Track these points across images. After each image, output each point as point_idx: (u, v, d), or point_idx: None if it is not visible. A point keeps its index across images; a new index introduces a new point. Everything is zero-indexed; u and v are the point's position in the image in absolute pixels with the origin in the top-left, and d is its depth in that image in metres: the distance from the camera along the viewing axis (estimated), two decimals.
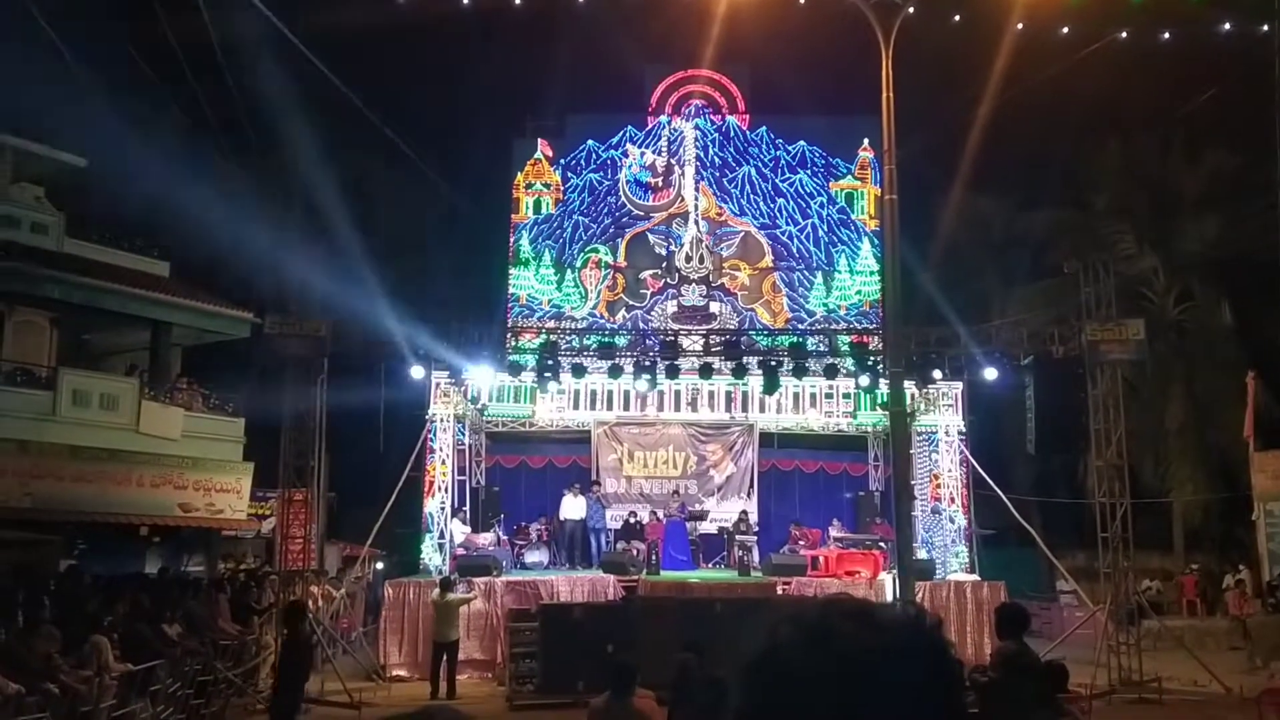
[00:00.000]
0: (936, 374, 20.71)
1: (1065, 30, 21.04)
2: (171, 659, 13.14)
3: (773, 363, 21.08)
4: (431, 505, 22.26)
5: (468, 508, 23.88)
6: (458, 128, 34.65)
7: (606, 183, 27.78)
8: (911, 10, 17.04)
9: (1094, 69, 23.59)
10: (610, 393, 23.71)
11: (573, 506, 23.31)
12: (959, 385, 22.58)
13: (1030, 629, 8.76)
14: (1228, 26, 21.07)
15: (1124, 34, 21.03)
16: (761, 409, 24.02)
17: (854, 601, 1.35)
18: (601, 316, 26.61)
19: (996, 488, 22.08)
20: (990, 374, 20.86)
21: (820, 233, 27.49)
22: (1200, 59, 24.13)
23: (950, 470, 22.89)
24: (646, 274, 27.13)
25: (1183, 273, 32.83)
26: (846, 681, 1.22)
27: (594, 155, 27.97)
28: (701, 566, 23.30)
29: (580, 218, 27.53)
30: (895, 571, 18.83)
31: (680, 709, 8.77)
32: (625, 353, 21.52)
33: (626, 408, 24.03)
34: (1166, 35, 21.31)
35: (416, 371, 21.80)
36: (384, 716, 1.76)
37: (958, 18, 21.02)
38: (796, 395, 23.78)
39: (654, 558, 21.51)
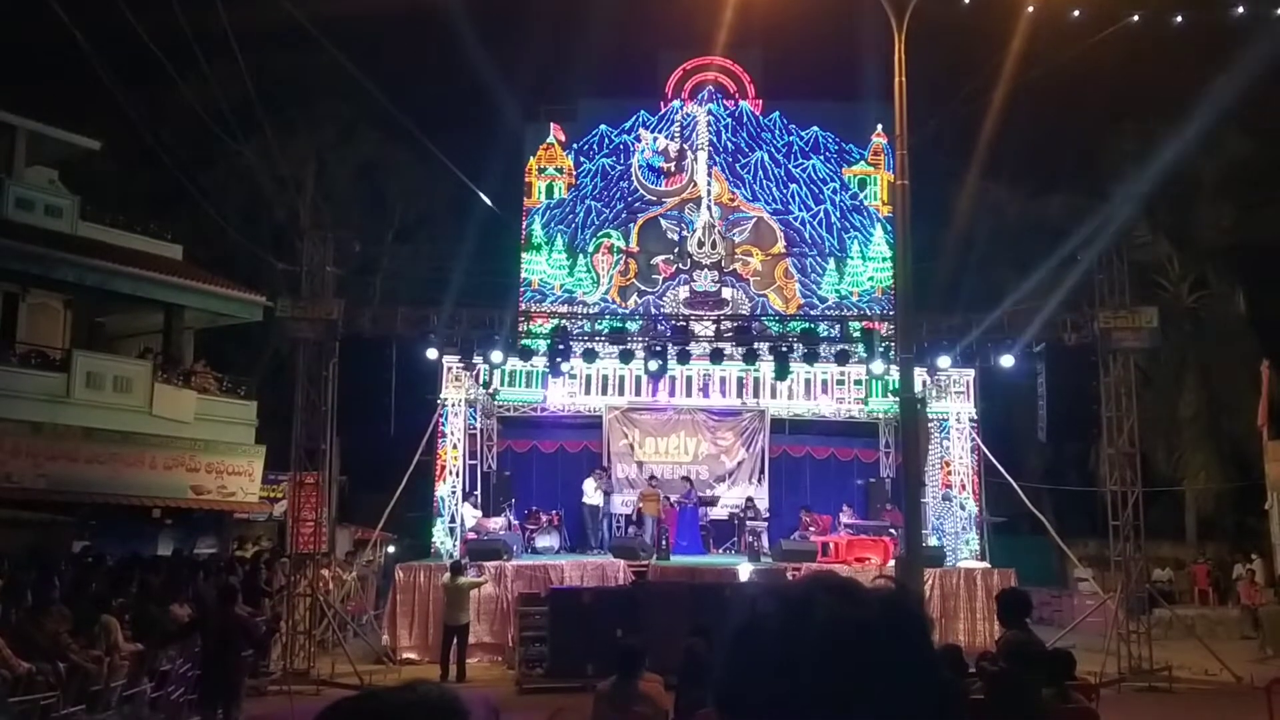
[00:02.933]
0: (948, 361, 20.64)
1: (1081, 14, 20.88)
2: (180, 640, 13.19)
3: (784, 348, 21.04)
4: (443, 489, 22.32)
5: (479, 492, 23.91)
6: (470, 112, 34.61)
7: (619, 167, 27.75)
8: None
9: (1110, 53, 23.42)
10: (622, 378, 23.72)
11: (595, 493, 23.36)
12: (971, 372, 22.53)
13: (1033, 615, 8.73)
14: (1242, 10, 20.87)
15: (1139, 17, 20.83)
16: (773, 395, 23.99)
17: (836, 577, 1.36)
18: (613, 301, 26.60)
19: (1008, 475, 22.02)
20: (1002, 361, 20.79)
21: (833, 218, 27.43)
22: (1217, 43, 23.96)
23: (961, 457, 22.86)
24: (659, 259, 27.11)
25: (1198, 260, 32.64)
26: (825, 652, 1.23)
27: (607, 140, 27.93)
28: (711, 552, 23.32)
29: (593, 202, 27.51)
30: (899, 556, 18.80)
31: (688, 693, 8.79)
32: (637, 338, 21.50)
33: (638, 393, 24.03)
34: (1179, 19, 21.11)
35: (430, 354, 21.84)
36: (371, 690, 1.77)
37: (973, 1, 20.86)
38: (808, 381, 23.74)
39: (664, 543, 21.54)
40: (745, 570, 20.18)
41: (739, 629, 1.30)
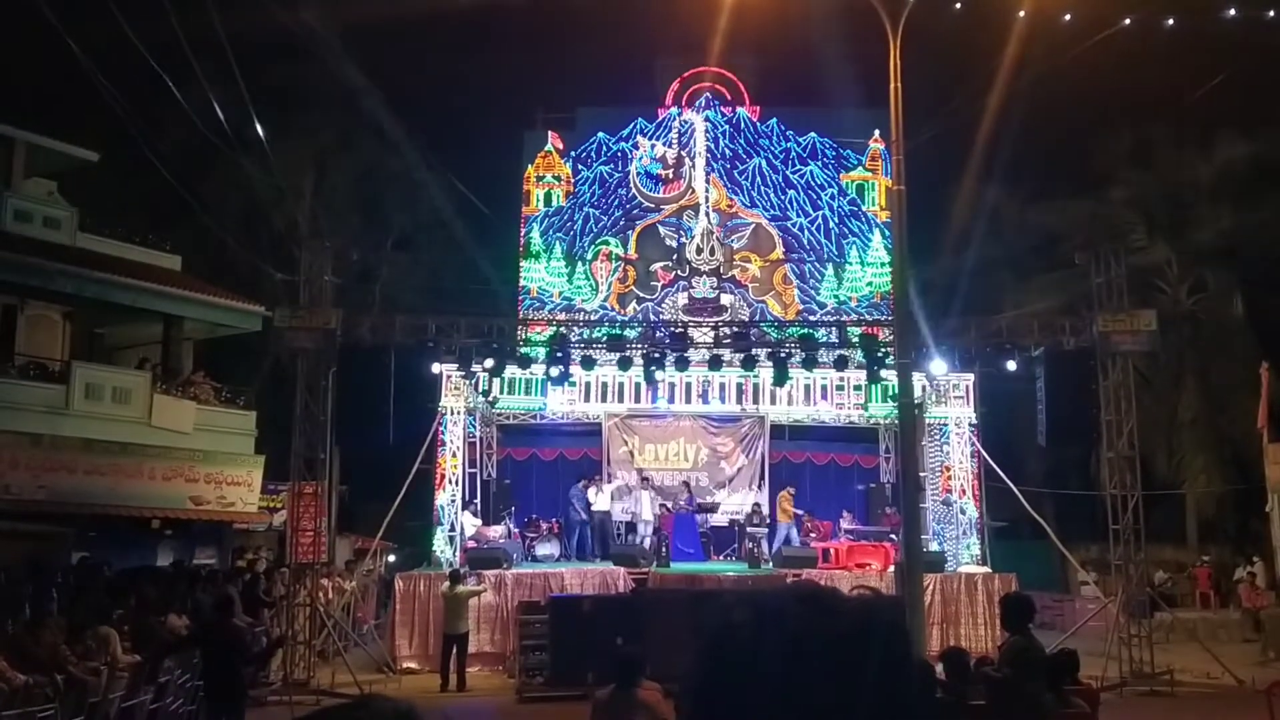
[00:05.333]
0: (946, 365, 20.62)
1: (1077, 17, 20.90)
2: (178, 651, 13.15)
3: (783, 354, 21.03)
4: (442, 498, 22.29)
5: (478, 500, 23.89)
6: (469, 120, 34.67)
7: (617, 175, 27.76)
8: None
9: (1107, 57, 23.43)
10: (621, 385, 23.66)
11: (603, 499, 23.34)
12: (970, 377, 22.49)
13: (1035, 620, 8.70)
14: (1233, 12, 20.88)
15: (1134, 20, 20.86)
16: (772, 401, 23.94)
17: (813, 587, 1.35)
18: (612, 309, 26.59)
19: (1008, 479, 22.00)
20: (1001, 365, 20.77)
21: (831, 224, 27.45)
22: (1213, 46, 23.97)
23: (961, 462, 22.82)
24: (657, 266, 27.12)
25: (1196, 263, 32.62)
26: (796, 664, 1.22)
27: (604, 147, 27.95)
28: (712, 559, 23.29)
29: (591, 210, 27.52)
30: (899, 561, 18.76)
31: None
32: (635, 345, 21.48)
33: (637, 400, 23.98)
34: (1171, 21, 21.13)
35: (430, 366, 21.83)
36: (319, 709, 1.78)
37: (968, 6, 20.89)
38: (807, 387, 23.71)
39: (664, 550, 21.52)
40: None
41: (711, 639, 1.30)
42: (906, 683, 1.28)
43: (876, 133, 26.89)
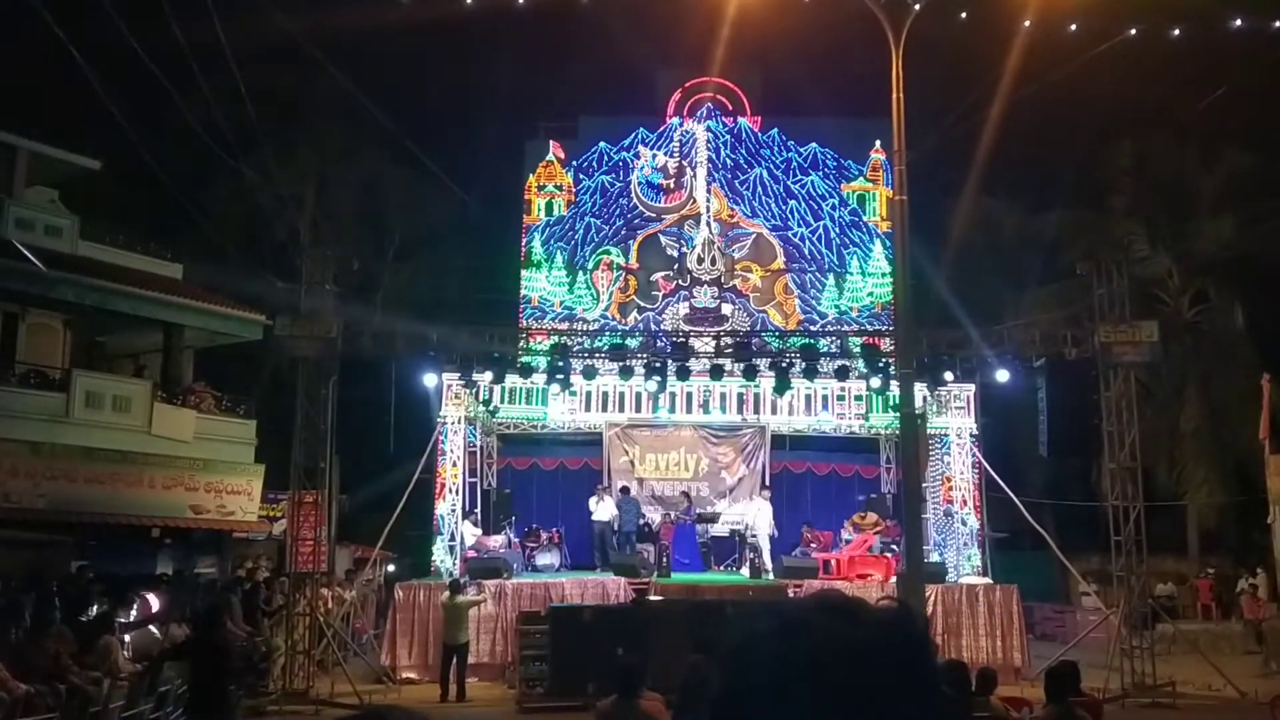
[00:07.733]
0: (948, 376, 20.60)
1: (1079, 28, 20.92)
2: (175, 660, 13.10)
3: (784, 364, 21.01)
4: (442, 507, 22.24)
5: (479, 510, 23.82)
6: (470, 129, 34.73)
7: (618, 184, 27.77)
8: (919, 6, 16.93)
9: (1108, 68, 23.48)
10: (622, 394, 23.62)
11: (601, 509, 23.28)
12: (971, 387, 22.46)
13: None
14: (1239, 23, 20.91)
15: (1138, 31, 20.87)
16: (773, 411, 23.90)
17: (839, 597, 1.33)
18: (613, 318, 26.58)
19: (1009, 490, 21.94)
20: (1002, 376, 20.75)
21: (832, 234, 27.44)
22: (1215, 57, 24.01)
23: (962, 473, 22.78)
24: (658, 276, 27.11)
25: (1197, 274, 32.62)
26: (821, 673, 1.20)
27: (606, 157, 27.96)
28: (713, 569, 23.23)
29: (592, 219, 27.52)
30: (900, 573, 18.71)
31: (688, 711, 8.73)
32: (636, 354, 21.46)
33: (638, 409, 23.94)
34: (1177, 32, 21.15)
35: (429, 379, 21.80)
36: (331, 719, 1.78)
37: (970, 17, 20.90)
38: (808, 397, 23.65)
39: (664, 560, 21.47)
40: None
41: (734, 649, 1.28)
42: (935, 698, 1.26)
43: (878, 143, 26.89)
